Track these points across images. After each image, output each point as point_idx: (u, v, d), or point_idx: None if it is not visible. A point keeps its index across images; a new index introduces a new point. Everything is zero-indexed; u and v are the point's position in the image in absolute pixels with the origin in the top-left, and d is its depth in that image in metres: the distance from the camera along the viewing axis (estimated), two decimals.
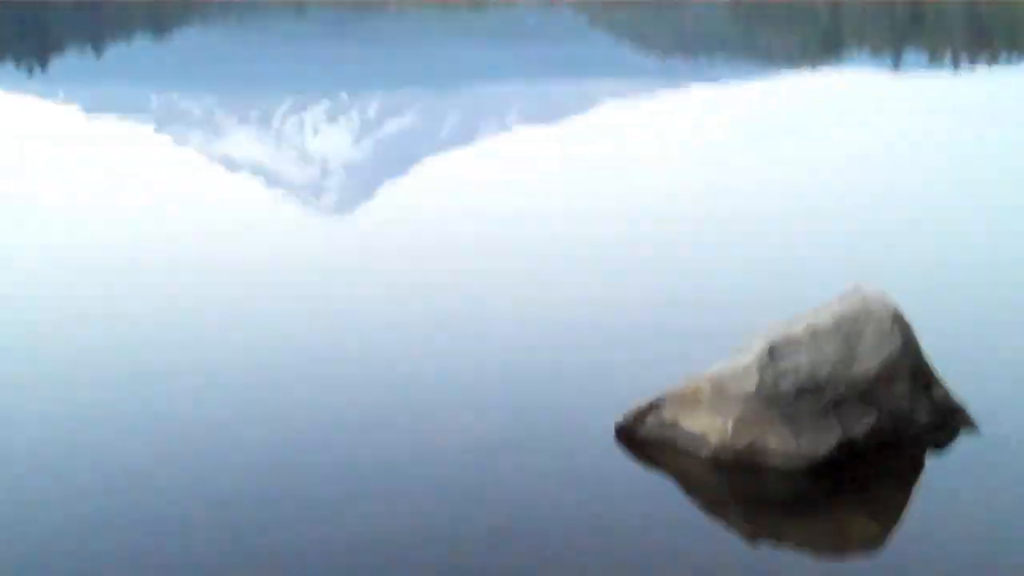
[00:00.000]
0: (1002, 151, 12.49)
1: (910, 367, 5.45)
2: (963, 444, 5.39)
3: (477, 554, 4.19)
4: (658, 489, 4.96)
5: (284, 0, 51.78)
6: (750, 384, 5.25)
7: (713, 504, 4.86)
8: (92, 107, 16.19)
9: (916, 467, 5.27)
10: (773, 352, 5.31)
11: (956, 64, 24.37)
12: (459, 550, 4.19)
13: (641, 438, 5.33)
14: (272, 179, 11.57)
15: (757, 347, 5.31)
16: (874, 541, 4.59)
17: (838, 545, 4.57)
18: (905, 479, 5.17)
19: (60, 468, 4.54)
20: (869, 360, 5.34)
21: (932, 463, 5.29)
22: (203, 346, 5.95)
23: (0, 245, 8.21)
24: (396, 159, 12.79)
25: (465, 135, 14.54)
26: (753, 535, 4.57)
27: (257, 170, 12.04)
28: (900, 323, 5.46)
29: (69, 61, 24.21)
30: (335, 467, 4.65)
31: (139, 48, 27.69)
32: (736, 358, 5.37)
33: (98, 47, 27.65)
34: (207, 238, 8.46)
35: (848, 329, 5.40)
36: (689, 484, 5.02)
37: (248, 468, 4.56)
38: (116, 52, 26.50)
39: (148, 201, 9.77)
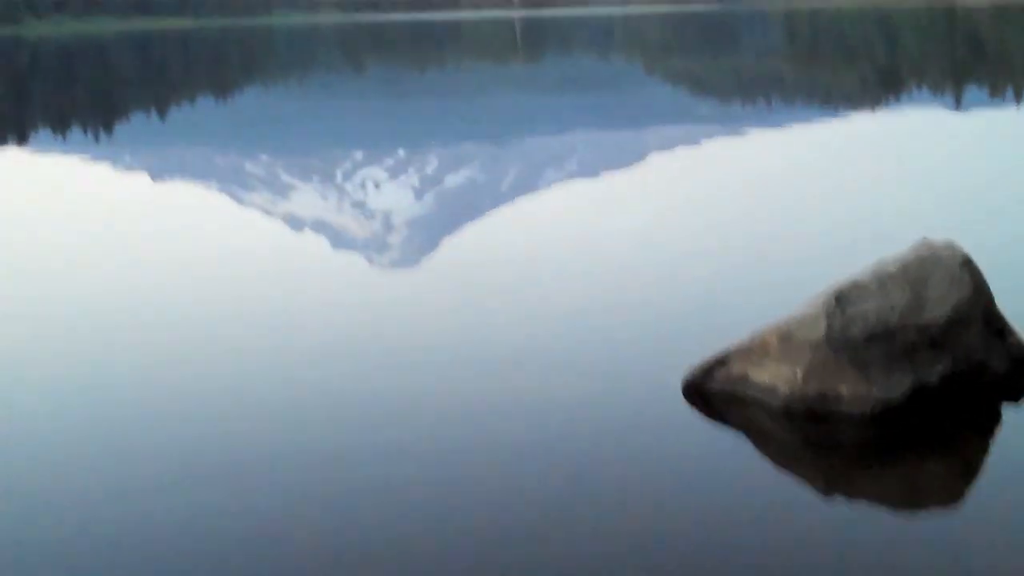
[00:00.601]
0: None
1: (982, 313, 5.35)
2: None
3: (563, 506, 4.36)
4: (730, 442, 4.99)
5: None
6: (818, 331, 5.17)
7: (787, 455, 4.90)
8: (158, 170, 16.45)
9: (993, 417, 5.16)
10: (840, 299, 5.23)
11: (1019, 99, 24.05)
12: (544, 504, 4.39)
13: (710, 393, 5.34)
14: (335, 236, 11.66)
15: (824, 296, 5.28)
16: (951, 494, 4.48)
17: (914, 498, 4.49)
18: (982, 429, 5.07)
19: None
20: (939, 305, 5.27)
21: (1009, 413, 5.18)
22: (279, 408, 5.94)
23: (75, 308, 8.30)
24: (458, 212, 12.82)
25: (526, 186, 14.55)
26: (828, 486, 4.54)
27: (320, 227, 12.14)
28: (970, 268, 5.39)
29: (135, 125, 24.61)
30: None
31: (202, 110, 28.10)
32: (803, 309, 5.35)
33: (162, 110, 28.10)
34: (273, 296, 8.51)
35: (916, 275, 5.33)
36: (762, 436, 5.03)
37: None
38: (180, 115, 26.92)
39: (213, 261, 9.88)
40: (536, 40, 78.63)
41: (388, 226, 12.27)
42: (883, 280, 5.31)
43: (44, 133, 23.33)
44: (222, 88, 36.51)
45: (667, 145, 17.70)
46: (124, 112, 28.47)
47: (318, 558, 4.18)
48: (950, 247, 5.43)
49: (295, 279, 9.15)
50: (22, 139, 22.35)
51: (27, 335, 7.61)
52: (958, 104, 23.35)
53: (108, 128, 23.81)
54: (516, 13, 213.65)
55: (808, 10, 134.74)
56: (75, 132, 22.96)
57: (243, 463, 5.13)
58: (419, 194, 14.24)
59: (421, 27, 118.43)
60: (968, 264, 5.37)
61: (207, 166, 17.22)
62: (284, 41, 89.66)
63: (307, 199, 14.00)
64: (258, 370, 6.58)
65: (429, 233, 11.88)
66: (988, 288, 5.42)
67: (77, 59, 63.75)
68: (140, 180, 15.66)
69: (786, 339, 5.24)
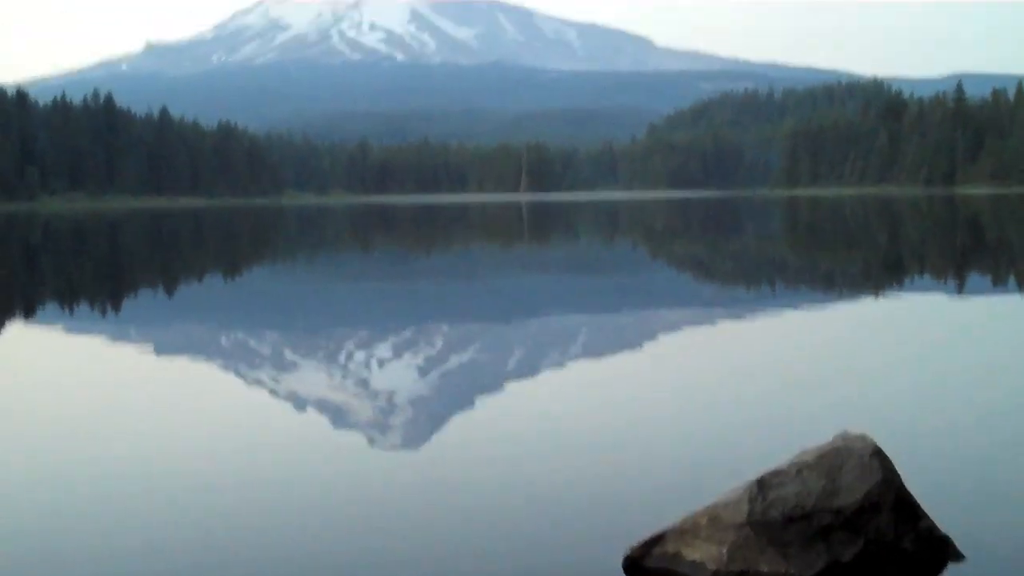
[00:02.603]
0: None
1: (893, 499, 5.86)
2: (950, 574, 5.77)
3: None
4: None
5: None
6: (742, 514, 5.79)
7: None
8: (162, 346, 16.51)
9: None
10: (762, 485, 5.85)
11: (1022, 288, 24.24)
12: None
13: (648, 568, 5.94)
14: (338, 415, 11.62)
15: (748, 482, 5.91)
16: None
17: None
18: None
19: None
20: (852, 492, 5.81)
21: None
22: None
23: (71, 482, 8.24)
24: (463, 392, 12.83)
25: (530, 367, 14.59)
26: None
27: (323, 406, 12.10)
28: (880, 458, 5.94)
29: (142, 300, 24.80)
30: None
31: (209, 287, 28.36)
32: (728, 493, 5.97)
33: (169, 287, 28.36)
34: (269, 474, 8.53)
35: (830, 463, 5.90)
36: None
37: None
38: (187, 292, 27.14)
39: (213, 436, 9.96)
40: (542, 223, 79.89)
41: (392, 405, 12.24)
42: (801, 468, 5.86)
43: (51, 306, 23.48)
44: (230, 266, 36.93)
45: (671, 328, 17.81)
46: (131, 288, 28.74)
47: None
48: (863, 439, 5.97)
49: (294, 455, 9.17)
50: (29, 312, 22.51)
51: (22, 507, 7.58)
52: (960, 290, 23.55)
53: (115, 303, 24.00)
54: (523, 197, 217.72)
55: (809, 197, 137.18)
56: (82, 306, 23.13)
57: None
58: (423, 373, 14.24)
59: (428, 209, 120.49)
60: (878, 454, 5.90)
61: (212, 343, 17.28)
62: (293, 221, 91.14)
63: (310, 377, 13.99)
64: (255, 545, 6.53)
65: (433, 413, 11.84)
66: (897, 476, 5.90)
67: (87, 235, 64.75)
68: (145, 355, 15.69)
69: (714, 520, 5.79)
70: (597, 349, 16.14)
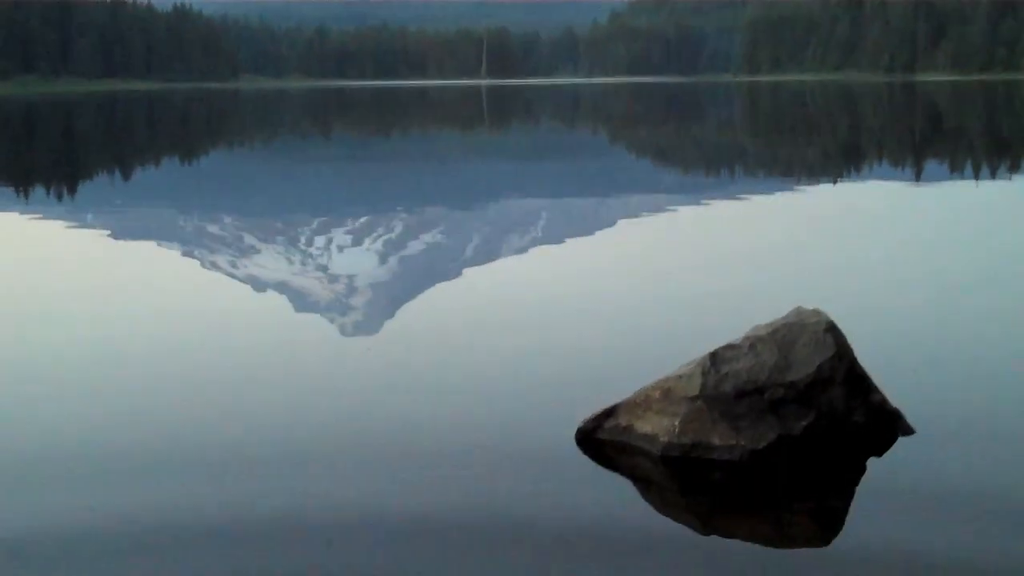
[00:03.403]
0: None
1: (845, 373, 5.95)
2: (900, 448, 5.91)
3: (457, 539, 4.93)
4: (615, 485, 5.60)
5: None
6: (694, 387, 5.86)
7: (664, 498, 5.53)
8: (119, 231, 16.38)
9: (855, 466, 5.75)
10: (715, 359, 5.93)
11: (977, 175, 24.44)
12: (440, 536, 4.97)
13: (600, 441, 6.04)
14: (298, 298, 11.64)
15: (702, 356, 6.01)
16: (816, 537, 5.07)
17: (780, 537, 5.06)
18: (844, 477, 5.66)
19: None
20: (804, 365, 5.87)
21: (871, 463, 5.79)
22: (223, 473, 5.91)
23: (25, 366, 8.25)
24: (421, 277, 12.87)
25: (489, 252, 14.63)
26: (702, 526, 5.15)
27: (283, 289, 12.11)
28: (834, 333, 6.01)
29: (98, 185, 24.54)
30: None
31: (167, 172, 28.10)
32: (682, 368, 6.07)
33: (126, 172, 28.07)
34: (229, 356, 8.57)
35: (784, 338, 5.97)
36: (643, 481, 5.66)
37: None
38: (144, 176, 26.90)
39: (171, 320, 9.88)
40: (502, 109, 79.30)
41: (351, 289, 12.27)
42: (755, 342, 5.94)
43: (5, 192, 23.18)
44: (187, 150, 36.53)
45: (630, 213, 17.85)
46: (87, 173, 28.41)
47: None
48: (817, 314, 6.06)
49: (255, 339, 9.17)
50: None
51: None
52: (918, 177, 23.71)
53: (71, 188, 23.74)
54: (484, 82, 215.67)
55: (770, 84, 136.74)
56: (37, 192, 22.86)
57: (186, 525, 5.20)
58: (383, 258, 14.26)
59: (387, 94, 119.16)
60: (832, 329, 5.97)
61: (170, 227, 17.18)
62: (250, 105, 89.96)
63: (270, 261, 13.98)
64: (214, 428, 6.57)
65: (392, 297, 11.89)
66: (851, 351, 6.00)
67: (41, 119, 63.69)
68: (101, 240, 15.57)
69: (667, 394, 5.90)
70: (554, 232, 16.19)
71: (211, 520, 5.20)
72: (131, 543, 4.95)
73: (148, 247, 14.78)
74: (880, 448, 5.87)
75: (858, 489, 5.50)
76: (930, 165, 27.48)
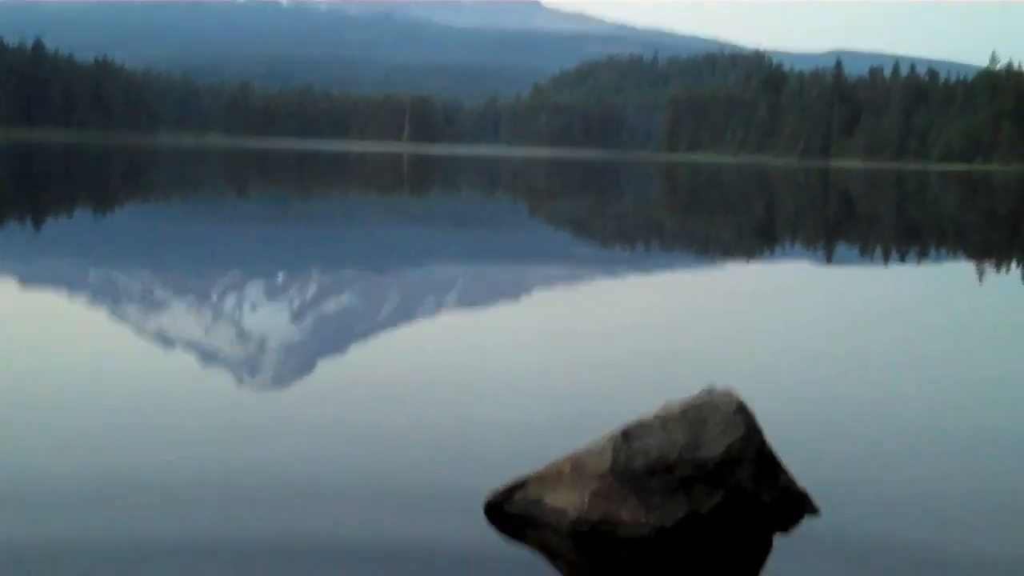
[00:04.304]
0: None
1: (754, 454, 6.02)
2: (806, 527, 6.01)
3: None
4: (523, 559, 5.60)
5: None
6: (605, 463, 5.86)
7: (573, 573, 5.54)
8: (27, 280, 16.04)
9: (763, 544, 5.84)
10: (627, 435, 5.93)
11: (887, 259, 24.94)
12: None
13: (509, 513, 6.00)
14: (207, 355, 11.45)
15: (612, 433, 6.00)
16: None
17: None
18: (751, 554, 5.73)
19: None
20: (715, 445, 5.92)
21: (778, 540, 5.88)
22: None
23: None
24: (334, 338, 12.76)
25: (403, 316, 14.56)
26: None
27: (192, 346, 11.91)
28: (743, 413, 6.07)
29: (7, 233, 24.03)
30: None
31: (79, 223, 27.67)
32: (593, 443, 6.07)
33: (37, 221, 27.62)
34: (134, 411, 8.36)
35: (695, 417, 6.02)
36: (551, 554, 5.67)
37: None
38: (56, 227, 26.45)
39: (75, 372, 9.71)
40: (423, 175, 79.51)
41: (262, 348, 12.11)
42: (666, 421, 5.96)
43: None
44: (102, 203, 36.02)
45: (546, 283, 17.91)
46: None
47: None
48: (728, 395, 6.11)
49: (160, 394, 8.98)
50: None
51: None
52: (829, 259, 24.13)
53: None
54: (406, 147, 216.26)
55: (688, 163, 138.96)
56: None
57: None
58: (296, 318, 14.11)
59: (308, 156, 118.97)
60: (742, 410, 6.03)
61: (79, 278, 16.85)
62: (168, 161, 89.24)
63: (180, 317, 13.75)
64: (117, 481, 6.42)
65: (303, 357, 11.75)
66: (760, 432, 6.08)
67: None
68: (7, 289, 15.22)
69: (577, 468, 5.88)
70: (469, 300, 16.18)
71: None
72: None
73: (55, 297, 14.48)
74: (786, 525, 5.96)
75: (763, 569, 5.55)
76: (841, 248, 27.99)
